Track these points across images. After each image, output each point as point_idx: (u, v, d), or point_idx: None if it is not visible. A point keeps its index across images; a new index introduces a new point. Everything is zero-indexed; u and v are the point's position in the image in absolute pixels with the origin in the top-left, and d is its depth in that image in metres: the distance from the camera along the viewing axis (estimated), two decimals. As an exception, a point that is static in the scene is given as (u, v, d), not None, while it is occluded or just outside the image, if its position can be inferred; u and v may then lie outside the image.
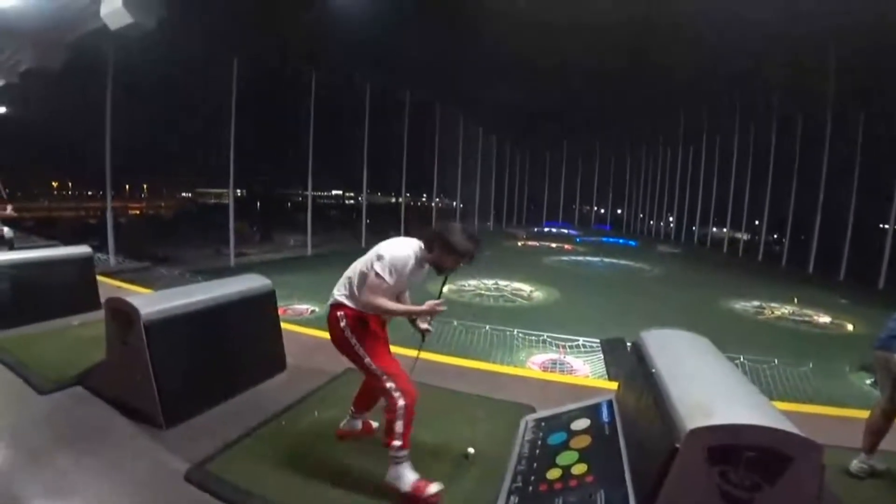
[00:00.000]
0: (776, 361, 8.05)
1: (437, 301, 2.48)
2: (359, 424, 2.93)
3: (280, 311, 4.06)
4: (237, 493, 2.35)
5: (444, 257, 2.45)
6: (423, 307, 2.47)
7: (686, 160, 36.41)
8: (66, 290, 4.84)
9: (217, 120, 21.44)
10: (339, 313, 2.46)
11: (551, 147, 45.87)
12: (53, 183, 30.36)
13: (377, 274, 2.35)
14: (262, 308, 3.78)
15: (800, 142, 26.40)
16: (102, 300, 3.32)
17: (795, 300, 16.92)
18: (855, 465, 2.63)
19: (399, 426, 2.33)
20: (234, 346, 3.50)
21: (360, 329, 2.44)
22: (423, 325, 2.63)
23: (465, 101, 34.99)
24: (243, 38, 22.46)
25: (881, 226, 22.28)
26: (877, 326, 2.51)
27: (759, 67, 27.51)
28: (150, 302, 3.07)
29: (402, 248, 2.43)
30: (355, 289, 2.47)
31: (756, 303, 16.98)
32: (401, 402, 2.34)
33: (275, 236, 28.27)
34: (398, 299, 2.61)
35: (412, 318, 2.61)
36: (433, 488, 2.31)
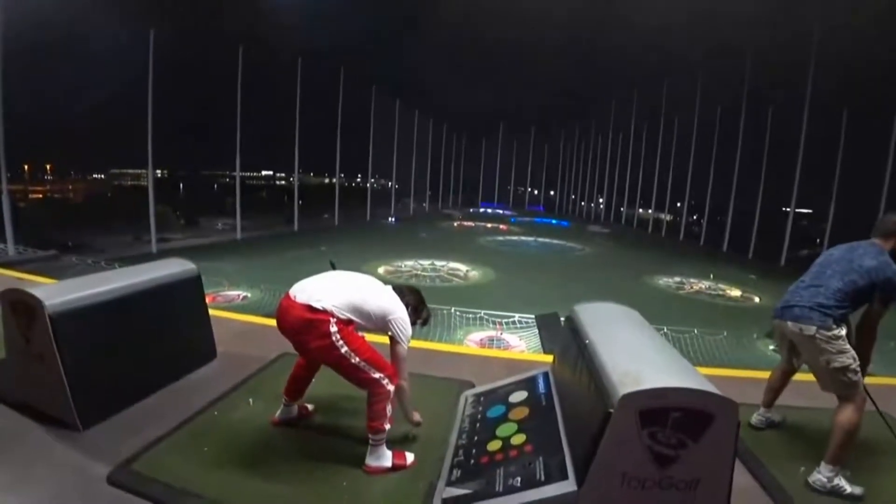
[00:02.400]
0: (696, 331, 8.67)
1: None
2: (294, 410, 2.84)
3: (209, 299, 3.81)
4: (168, 493, 2.19)
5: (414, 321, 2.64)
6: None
7: (616, 145, 38.11)
8: None
9: (133, 95, 19.65)
10: (332, 328, 2.31)
11: (487, 130, 46.37)
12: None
13: (405, 342, 2.50)
14: (186, 294, 3.50)
15: (718, 131, 28.50)
16: (-1, 293, 2.91)
17: (711, 276, 18.39)
18: (755, 417, 2.97)
19: (388, 409, 2.39)
20: (156, 337, 3.21)
21: (347, 335, 2.36)
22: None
23: (402, 84, 34.52)
24: (162, 7, 20.63)
25: (784, 209, 24.61)
26: (779, 298, 2.78)
27: (683, 60, 29.27)
28: (55, 292, 2.71)
29: (406, 315, 2.53)
30: (357, 321, 2.43)
31: (677, 278, 18.25)
32: (390, 388, 2.39)
33: (201, 220, 26.61)
34: None
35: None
36: (410, 457, 2.46)
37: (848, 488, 2.34)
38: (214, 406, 2.96)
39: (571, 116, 41.99)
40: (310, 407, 2.93)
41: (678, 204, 32.57)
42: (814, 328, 2.46)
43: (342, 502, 2.19)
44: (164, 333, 3.29)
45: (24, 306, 2.63)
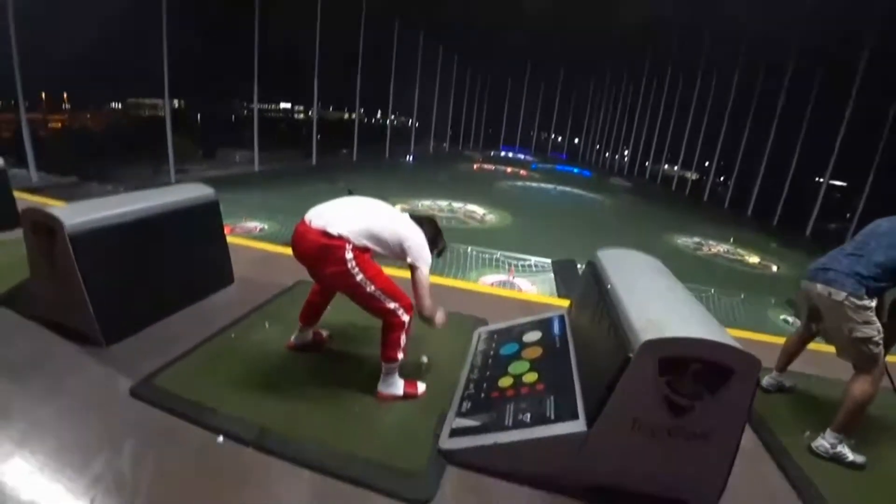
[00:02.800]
0: (713, 290, 8.59)
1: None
2: (309, 335, 2.88)
3: (227, 230, 3.81)
4: (185, 405, 2.27)
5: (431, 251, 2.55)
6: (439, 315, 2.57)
7: (647, 96, 36.42)
8: None
9: (147, 21, 18.94)
10: (348, 255, 2.27)
11: (514, 71, 44.47)
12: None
13: (425, 266, 2.43)
14: (204, 218, 3.50)
15: (759, 92, 26.94)
16: (22, 216, 2.92)
17: (731, 240, 18.04)
18: (766, 380, 2.96)
19: (403, 339, 2.40)
20: (175, 259, 3.24)
21: (363, 262, 2.32)
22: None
23: (426, 17, 32.87)
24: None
25: (817, 179, 23.67)
26: (798, 269, 2.69)
27: (730, 11, 27.25)
28: (74, 212, 2.70)
29: (425, 238, 2.49)
30: (374, 248, 2.36)
31: (696, 239, 17.95)
32: (405, 318, 2.38)
33: (218, 152, 26.47)
34: None
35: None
36: (422, 387, 2.51)
37: (850, 456, 2.34)
38: (232, 328, 3.03)
39: (603, 62, 39.99)
40: (325, 333, 2.96)
41: (706, 163, 31.49)
42: (844, 294, 2.38)
43: (354, 426, 2.24)
44: (183, 256, 3.31)
45: (44, 227, 2.64)
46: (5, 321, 2.91)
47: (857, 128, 22.13)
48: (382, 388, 2.45)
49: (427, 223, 2.60)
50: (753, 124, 27.25)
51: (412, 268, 2.41)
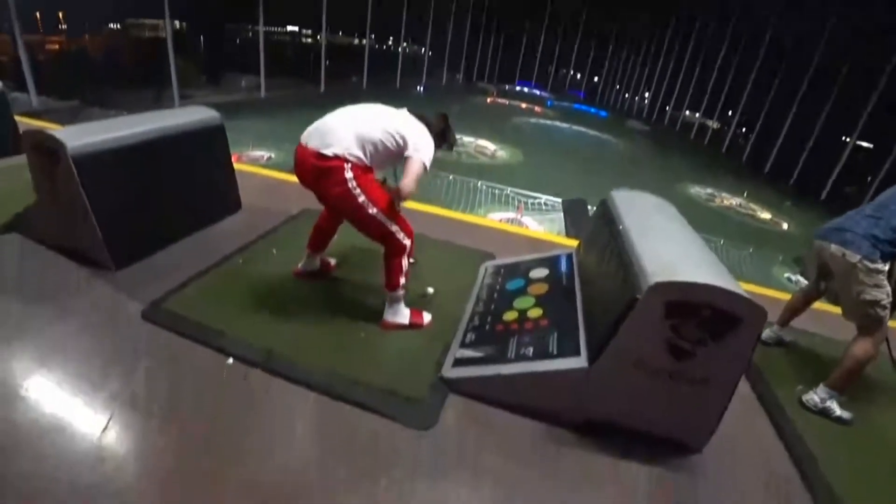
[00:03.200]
0: (722, 241, 8.53)
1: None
2: (317, 263, 2.89)
3: (234, 158, 3.73)
4: (195, 328, 2.31)
5: (438, 146, 2.50)
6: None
7: (675, 37, 34.44)
8: None
9: None
10: (347, 174, 2.21)
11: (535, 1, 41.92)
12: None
13: (426, 167, 2.30)
14: (211, 142, 3.40)
15: (792, 44, 25.28)
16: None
17: (745, 194, 17.71)
18: (767, 333, 2.97)
19: (405, 264, 2.41)
20: (181, 183, 3.18)
21: (365, 183, 2.26)
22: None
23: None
24: None
25: (843, 139, 22.68)
26: (809, 229, 2.64)
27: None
28: (77, 135, 2.61)
29: (427, 131, 2.41)
30: (373, 157, 2.27)
31: (710, 190, 17.66)
32: (406, 242, 2.37)
33: (224, 77, 25.59)
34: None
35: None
36: (427, 317, 2.54)
37: (837, 411, 2.39)
38: (240, 254, 3.04)
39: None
40: (332, 261, 2.98)
41: (729, 113, 30.19)
42: (858, 256, 2.35)
43: (360, 352, 2.29)
44: (190, 181, 3.25)
45: (46, 150, 2.56)
46: (15, 246, 2.91)
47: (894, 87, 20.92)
48: (388, 317, 2.48)
49: (434, 117, 2.53)
50: (784, 77, 25.83)
51: (407, 159, 2.27)
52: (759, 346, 2.88)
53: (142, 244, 2.91)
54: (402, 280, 2.42)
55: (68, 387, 1.94)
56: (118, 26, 29.40)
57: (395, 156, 2.31)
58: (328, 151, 2.20)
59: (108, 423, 1.78)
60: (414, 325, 2.49)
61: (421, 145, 2.29)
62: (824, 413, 2.39)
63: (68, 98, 14.46)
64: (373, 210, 2.27)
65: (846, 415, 2.38)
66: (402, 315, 2.49)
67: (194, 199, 3.30)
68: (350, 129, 2.26)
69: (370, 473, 1.73)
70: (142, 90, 20.38)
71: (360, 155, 2.24)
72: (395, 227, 2.33)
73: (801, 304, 2.93)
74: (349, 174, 2.20)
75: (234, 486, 1.62)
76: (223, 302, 2.54)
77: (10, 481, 1.55)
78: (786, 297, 3.19)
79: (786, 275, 9.72)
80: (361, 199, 2.24)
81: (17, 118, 4.65)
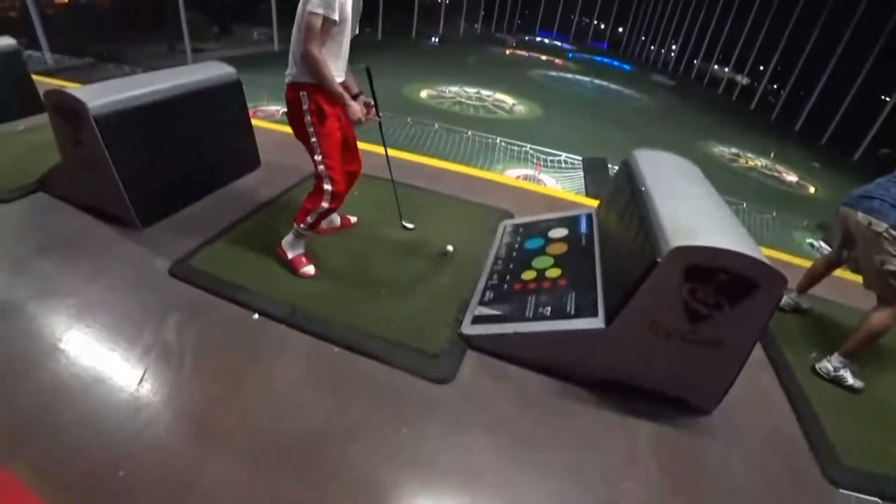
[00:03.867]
0: (744, 205, 8.33)
1: (368, 109, 2.35)
2: (337, 220, 2.92)
3: (250, 113, 3.71)
4: (221, 284, 2.39)
5: None
6: (353, 105, 2.26)
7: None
8: None
9: None
10: (301, 93, 2.23)
11: (559, -58, 39.58)
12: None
13: (312, 13, 2.03)
14: (227, 98, 3.40)
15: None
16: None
17: (772, 154, 17.06)
18: (784, 299, 2.94)
19: (316, 215, 2.41)
20: (202, 141, 3.21)
21: (320, 115, 2.27)
22: (356, 118, 2.37)
23: None
24: None
25: (882, 97, 21.42)
26: (837, 193, 2.56)
27: None
28: (97, 93, 2.62)
29: None
30: (297, 49, 2.17)
31: (734, 150, 17.07)
32: (328, 188, 2.36)
33: (235, 29, 24.95)
34: (348, 85, 2.40)
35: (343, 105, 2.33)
36: (309, 269, 2.51)
37: (850, 380, 2.38)
38: (260, 212, 3.09)
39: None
40: (353, 219, 3.01)
41: (761, 67, 28.66)
42: (885, 225, 2.29)
43: (380, 308, 2.36)
44: (211, 138, 3.28)
45: (68, 109, 2.59)
46: (42, 205, 2.99)
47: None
48: (283, 244, 2.55)
49: None
50: (823, 30, 24.24)
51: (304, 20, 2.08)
52: (776, 312, 2.91)
53: (166, 202, 2.97)
54: (304, 226, 2.44)
55: (105, 342, 2.04)
56: (126, -26, 28.58)
57: (301, 27, 2.14)
58: (287, 78, 2.24)
59: (143, 375, 1.89)
60: (291, 265, 2.52)
61: None
62: (837, 381, 2.40)
63: (81, 55, 14.28)
64: (313, 140, 2.30)
65: (858, 383, 2.38)
66: (293, 249, 2.53)
67: (214, 157, 3.34)
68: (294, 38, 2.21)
69: (391, 424, 1.82)
70: (153, 44, 20.00)
71: (293, 68, 2.22)
72: (323, 167, 2.33)
73: (822, 271, 2.87)
74: (303, 92, 2.22)
75: (259, 433, 1.72)
76: (246, 259, 2.62)
77: (59, 429, 1.66)
78: (806, 263, 3.14)
79: (808, 240, 9.52)
80: (308, 120, 2.27)
81: (34, 77, 4.64)
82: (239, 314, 2.26)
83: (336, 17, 2.07)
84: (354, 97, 2.39)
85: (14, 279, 2.37)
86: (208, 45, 21.15)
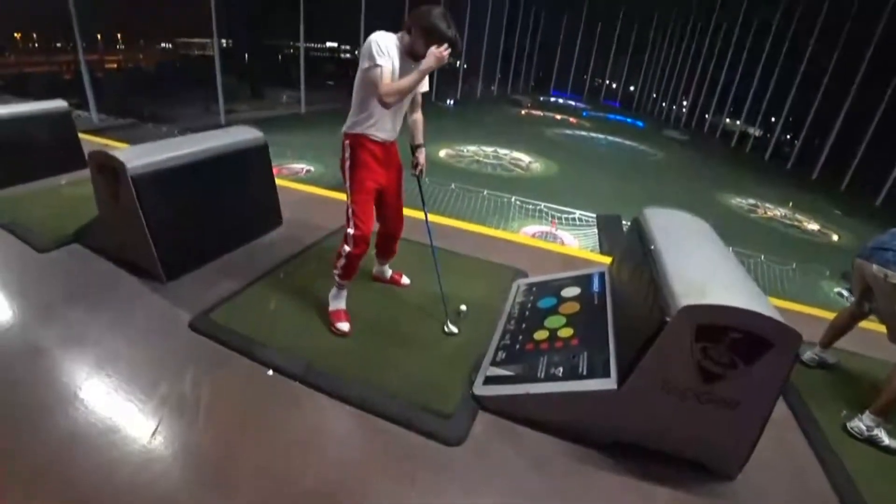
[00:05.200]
0: (762, 257, 8.24)
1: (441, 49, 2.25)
2: (387, 273, 3.09)
3: (275, 171, 3.93)
4: (238, 339, 2.46)
5: (418, 41, 2.22)
6: (429, 57, 2.18)
7: (714, 42, 33.57)
8: (47, 149, 4.56)
9: None
10: (345, 141, 2.46)
11: (570, 8, 41.71)
12: (16, 35, 24.42)
13: (373, 65, 2.18)
14: (254, 160, 3.63)
15: (844, 39, 24.09)
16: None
17: (790, 204, 17.00)
18: (808, 355, 2.84)
19: (342, 261, 2.51)
20: (227, 200, 3.41)
21: (355, 155, 2.44)
22: (418, 155, 2.66)
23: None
24: None
25: None
26: (862, 239, 2.53)
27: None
28: (136, 155, 2.88)
29: (381, 34, 2.25)
30: (357, 102, 2.38)
31: (752, 201, 17.05)
32: (349, 231, 2.47)
33: (266, 92, 26.62)
34: (415, 130, 2.64)
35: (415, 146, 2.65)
36: (343, 326, 2.57)
37: (886, 440, 2.26)
38: (281, 268, 3.20)
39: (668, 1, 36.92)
40: (405, 280, 3.11)
41: (772, 119, 29.06)
42: None
43: (394, 366, 2.37)
44: (236, 197, 3.48)
45: (109, 168, 2.82)
46: (77, 256, 3.20)
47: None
48: (330, 294, 2.66)
49: (413, 21, 2.22)
50: (834, 76, 24.61)
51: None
52: (801, 368, 2.80)
53: (191, 258, 3.12)
54: (338, 274, 2.55)
55: (123, 391, 2.10)
56: (170, 45, 31.13)
57: (361, 85, 2.31)
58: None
59: (157, 427, 1.93)
60: (330, 318, 2.60)
61: (365, 52, 2.20)
62: (871, 441, 2.28)
63: (125, 116, 15.37)
64: (347, 184, 2.48)
65: (895, 444, 2.26)
66: (334, 303, 2.63)
67: (239, 215, 3.51)
68: None
69: (403, 484, 1.80)
70: (191, 106, 21.44)
71: (349, 120, 2.43)
72: (350, 213, 2.46)
73: (845, 324, 2.77)
74: (346, 140, 2.44)
75: (271, 488, 1.72)
76: (265, 314, 2.69)
77: (73, 477, 1.70)
78: (830, 315, 3.05)
79: (836, 290, 9.27)
80: (347, 164, 2.46)
81: (80, 135, 5.06)
82: (255, 369, 2.31)
83: (388, 64, 2.19)
84: (416, 148, 2.63)
85: (42, 325, 2.50)
86: (241, 107, 22.54)
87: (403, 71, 2.26)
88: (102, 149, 2.98)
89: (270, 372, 2.29)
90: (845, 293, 8.91)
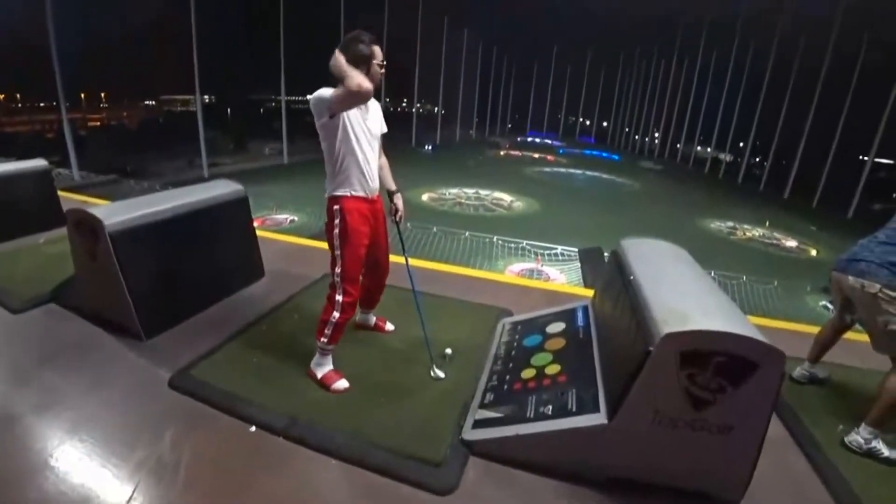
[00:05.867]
0: (744, 278, 8.37)
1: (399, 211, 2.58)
2: (371, 320, 3.03)
3: (258, 222, 3.94)
4: (220, 395, 2.38)
5: (367, 71, 2.29)
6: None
7: (679, 75, 35.26)
8: (25, 208, 4.55)
9: (176, 19, 19.32)
10: (335, 206, 2.42)
11: (540, 52, 43.67)
12: (-1, 95, 25.53)
13: (320, 106, 2.26)
14: (234, 214, 3.62)
15: (797, 65, 25.61)
16: (67, 215, 3.17)
17: (767, 223, 17.53)
18: (798, 371, 2.85)
19: (330, 327, 2.45)
20: (207, 254, 3.37)
21: (344, 222, 2.41)
22: (396, 201, 2.65)
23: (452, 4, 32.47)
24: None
25: (861, 157, 22.50)
26: (839, 252, 2.59)
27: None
28: (113, 212, 2.86)
29: (322, 90, 2.29)
30: (329, 165, 2.40)
31: (730, 223, 17.51)
32: (339, 298, 2.44)
33: (249, 145, 27.05)
34: (384, 177, 2.62)
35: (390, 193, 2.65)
36: (341, 384, 2.48)
37: (885, 452, 2.24)
38: (263, 321, 3.14)
39: (632, 40, 38.89)
40: (389, 326, 3.07)
41: (741, 144, 30.32)
42: (878, 286, 2.29)
43: (380, 415, 2.31)
44: (216, 251, 3.45)
45: (86, 225, 2.80)
46: (53, 316, 3.12)
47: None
48: (312, 364, 2.56)
49: (343, 53, 2.25)
50: (792, 100, 26.00)
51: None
52: (793, 385, 2.80)
53: (170, 314, 3.06)
54: (324, 340, 2.47)
55: (97, 457, 2.00)
56: (154, 102, 31.67)
57: (325, 139, 2.35)
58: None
59: (132, 492, 1.83)
60: (322, 383, 2.49)
61: (313, 105, 2.28)
62: (871, 454, 2.26)
63: (106, 172, 15.43)
64: (336, 252, 2.43)
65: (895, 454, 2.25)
66: (321, 368, 2.53)
67: (220, 270, 3.48)
68: None
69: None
70: (175, 159, 21.61)
71: (328, 183, 2.43)
72: (339, 279, 2.43)
73: (830, 337, 2.79)
74: (336, 206, 2.41)
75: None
76: (247, 369, 2.62)
77: None
78: (817, 329, 3.06)
79: (822, 303, 9.40)
80: (336, 232, 2.41)
81: (60, 193, 5.04)
82: (237, 426, 2.22)
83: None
84: (392, 194, 2.63)
85: (15, 390, 2.40)
86: (224, 160, 22.79)
87: (353, 114, 2.35)
88: (80, 206, 2.96)
89: (253, 428, 2.21)
90: (830, 306, 9.04)
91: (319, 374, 2.52)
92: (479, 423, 2.20)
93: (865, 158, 22.30)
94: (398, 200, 2.66)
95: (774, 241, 16.09)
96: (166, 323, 3.00)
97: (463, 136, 38.98)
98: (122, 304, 2.81)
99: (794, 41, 25.88)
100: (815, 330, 3.07)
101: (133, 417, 2.25)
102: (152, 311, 2.91)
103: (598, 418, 1.92)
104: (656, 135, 39.19)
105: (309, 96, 2.32)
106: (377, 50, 2.33)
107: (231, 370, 2.59)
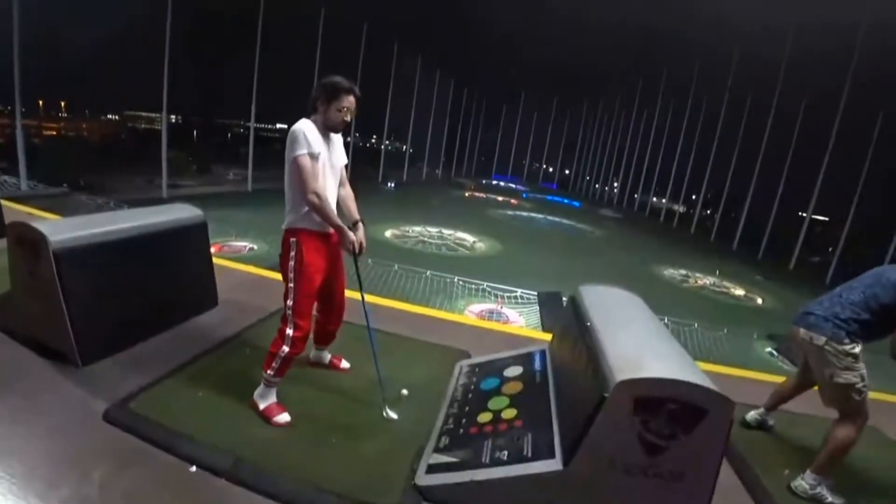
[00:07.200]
0: (696, 325, 8.67)
1: (360, 242, 2.44)
2: (326, 357, 2.95)
3: (216, 248, 3.81)
4: (161, 432, 2.22)
5: (328, 110, 2.36)
6: (349, 234, 2.39)
7: (638, 127, 37.30)
8: None
9: (149, 37, 19.15)
10: (290, 239, 2.40)
11: (509, 98, 45.44)
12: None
13: (297, 156, 2.27)
14: (191, 240, 3.49)
15: (744, 126, 27.73)
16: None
17: (717, 272, 18.38)
18: (752, 415, 2.93)
19: (280, 354, 2.39)
20: (158, 280, 3.21)
21: (300, 255, 2.37)
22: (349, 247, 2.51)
23: (425, 40, 33.53)
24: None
25: (800, 213, 24.27)
26: (782, 301, 2.74)
27: (718, 43, 28.17)
28: (60, 228, 2.70)
29: (303, 122, 2.33)
30: (291, 198, 2.38)
31: (683, 271, 18.24)
32: (289, 332, 2.39)
33: (213, 168, 26.53)
34: (347, 208, 2.59)
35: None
36: (282, 418, 2.41)
37: (829, 497, 2.32)
38: (213, 353, 2.99)
39: (595, 91, 41.11)
40: (345, 364, 2.98)
41: (693, 196, 32.18)
42: (823, 339, 2.37)
43: (330, 458, 2.21)
44: (168, 277, 3.29)
45: (29, 241, 2.63)
46: None
47: (839, 163, 22.88)
48: (255, 395, 2.48)
49: (315, 96, 2.38)
50: (740, 155, 28.01)
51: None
52: (743, 429, 2.87)
53: (113, 340, 2.87)
54: (270, 372, 2.41)
55: (12, 496, 1.82)
56: (116, 117, 30.67)
57: (292, 177, 2.34)
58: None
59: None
60: (264, 416, 2.41)
61: (289, 141, 2.29)
62: (815, 499, 2.32)
63: (58, 184, 14.67)
64: (290, 284, 2.39)
65: (838, 501, 2.31)
66: (264, 399, 2.45)
67: (170, 296, 3.31)
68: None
69: None
70: (134, 177, 20.85)
71: (288, 216, 2.40)
72: (290, 312, 2.40)
73: (790, 392, 2.86)
74: (293, 239, 2.38)
75: None
76: (191, 403, 2.47)
77: None
78: (763, 375, 3.15)
79: (767, 349, 9.79)
80: (291, 265, 2.38)
81: (3, 202, 4.69)
82: (176, 466, 2.07)
83: (314, 150, 2.29)
84: (355, 223, 2.53)
85: None
86: (186, 182, 22.13)
87: (327, 146, 2.40)
88: (25, 219, 2.78)
89: (193, 468, 2.07)
90: (775, 353, 9.45)
91: (262, 406, 2.43)
92: (433, 468, 2.14)
93: (804, 215, 24.03)
94: (360, 231, 2.60)
95: (724, 290, 16.83)
96: (107, 349, 2.80)
97: (430, 174, 39.57)
98: (60, 327, 2.61)
99: (741, 100, 28.02)
100: (763, 377, 3.18)
101: (60, 452, 2.07)
102: (92, 335, 2.72)
103: (554, 464, 1.91)
104: (615, 184, 40.98)
105: (280, 125, 2.33)
106: (346, 98, 2.36)
107: (173, 404, 2.44)
